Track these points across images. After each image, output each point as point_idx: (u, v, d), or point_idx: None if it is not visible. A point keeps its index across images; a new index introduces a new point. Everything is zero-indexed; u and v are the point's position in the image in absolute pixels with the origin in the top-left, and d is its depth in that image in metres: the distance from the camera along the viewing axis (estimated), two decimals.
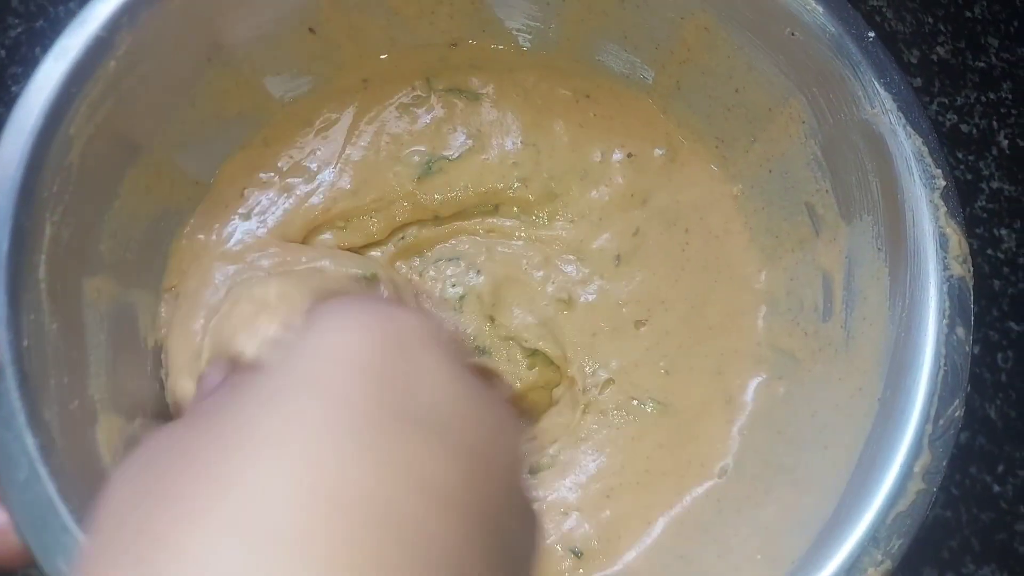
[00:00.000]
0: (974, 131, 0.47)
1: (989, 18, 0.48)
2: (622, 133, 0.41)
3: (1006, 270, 0.45)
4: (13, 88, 0.44)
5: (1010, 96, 0.47)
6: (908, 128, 0.32)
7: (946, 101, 0.47)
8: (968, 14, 0.48)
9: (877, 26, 0.34)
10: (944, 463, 0.29)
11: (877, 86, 0.33)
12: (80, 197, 0.32)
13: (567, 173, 0.41)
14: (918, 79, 0.47)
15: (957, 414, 0.30)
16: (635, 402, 0.38)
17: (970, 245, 0.32)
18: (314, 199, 0.40)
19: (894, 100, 0.33)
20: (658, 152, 0.41)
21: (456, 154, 0.40)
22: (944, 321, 0.30)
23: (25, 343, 0.28)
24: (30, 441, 0.27)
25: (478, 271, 0.39)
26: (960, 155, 0.46)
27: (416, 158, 0.40)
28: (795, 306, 0.38)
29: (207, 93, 0.36)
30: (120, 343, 0.33)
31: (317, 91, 0.41)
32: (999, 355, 0.43)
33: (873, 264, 0.34)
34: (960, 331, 0.30)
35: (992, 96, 0.47)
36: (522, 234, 0.40)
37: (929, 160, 0.32)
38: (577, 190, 0.40)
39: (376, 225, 0.40)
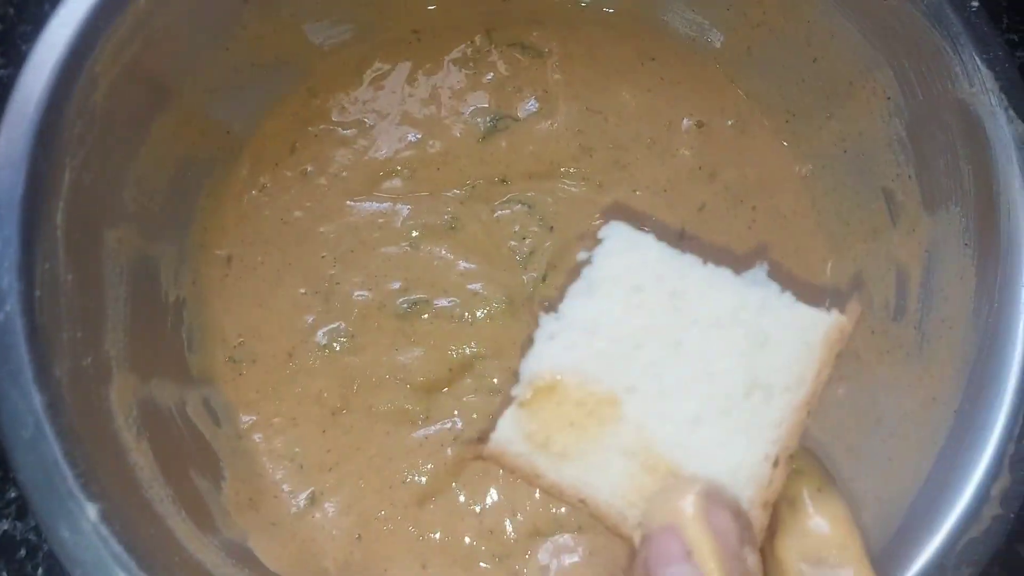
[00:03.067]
0: None
1: None
2: (691, 101, 0.39)
3: None
4: (23, 47, 0.42)
5: None
6: (1011, 111, 0.29)
7: (1016, 38, 0.42)
8: None
9: None
10: None
11: (978, 62, 0.29)
12: (104, 141, 0.30)
13: (633, 142, 0.38)
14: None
15: None
16: None
17: None
18: (375, 151, 0.38)
19: (996, 79, 0.29)
20: (729, 123, 0.38)
21: (523, 115, 0.38)
22: None
23: (37, 293, 0.27)
24: (37, 399, 0.26)
25: (550, 228, 0.37)
26: None
27: (479, 117, 0.38)
28: (863, 301, 0.35)
29: (242, 37, 0.34)
30: (140, 297, 0.31)
31: (363, 40, 0.39)
32: None
33: (958, 261, 0.30)
34: None
35: None
36: (586, 200, 0.38)
37: None
38: (643, 160, 0.38)
39: (443, 176, 0.38)
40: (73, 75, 0.29)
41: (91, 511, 0.25)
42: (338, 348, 0.35)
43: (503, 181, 0.38)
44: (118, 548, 0.25)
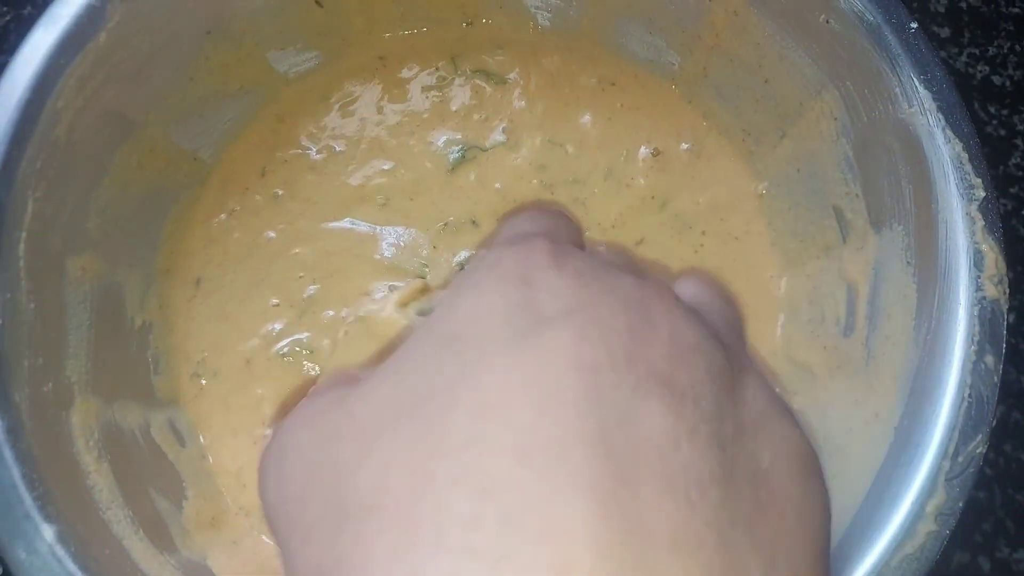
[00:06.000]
0: (1007, 83, 0.43)
1: None
2: (649, 127, 0.39)
3: None
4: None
5: None
6: (948, 131, 0.29)
7: (977, 52, 0.44)
8: None
9: None
10: (960, 504, 0.27)
11: (916, 83, 0.30)
12: (67, 173, 0.31)
13: (592, 173, 0.39)
14: (946, 29, 0.44)
15: (979, 451, 0.27)
16: None
17: (1004, 206, 0.29)
18: (346, 177, 0.39)
19: (934, 99, 0.30)
20: (684, 147, 0.39)
21: (490, 146, 0.39)
22: (972, 347, 0.28)
23: None
24: None
25: None
26: (992, 109, 0.43)
27: (448, 148, 0.39)
28: (816, 317, 0.35)
29: (206, 67, 0.35)
30: (103, 323, 0.32)
31: (328, 67, 0.40)
32: None
33: (901, 279, 0.31)
34: (989, 359, 0.27)
35: None
36: None
37: (969, 167, 0.29)
38: (600, 193, 0.39)
39: (416, 209, 0.39)
40: (35, 113, 0.29)
41: (47, 532, 0.26)
42: (303, 353, 0.37)
43: (474, 223, 0.39)
44: (73, 568, 0.26)
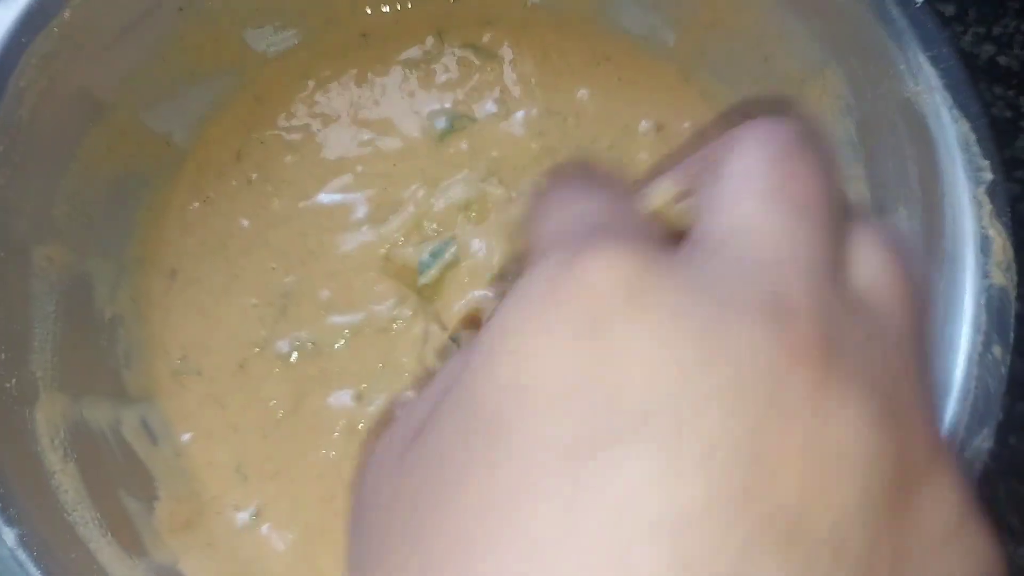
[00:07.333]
0: (1014, 63, 0.42)
1: None
2: (648, 102, 0.38)
3: None
4: None
5: None
6: (955, 110, 0.28)
7: (982, 31, 0.42)
8: None
9: None
10: None
11: (922, 60, 0.28)
12: (31, 157, 0.29)
13: (593, 144, 0.37)
14: (951, 6, 0.42)
15: (985, 445, 0.26)
16: None
17: (1010, 190, 0.28)
18: (326, 153, 0.37)
19: (940, 77, 0.28)
20: (686, 125, 0.38)
21: (482, 117, 0.38)
22: (979, 337, 0.26)
23: None
24: None
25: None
26: (998, 90, 0.42)
27: (436, 118, 0.38)
28: None
29: (179, 47, 0.34)
30: (71, 315, 0.31)
31: (308, 45, 0.38)
32: None
33: None
34: (996, 350, 0.26)
35: None
36: None
37: (976, 148, 0.28)
38: (604, 165, 0.37)
39: (400, 172, 0.37)
40: None
41: (9, 536, 0.25)
42: (296, 356, 0.35)
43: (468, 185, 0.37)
44: (36, 573, 0.25)
